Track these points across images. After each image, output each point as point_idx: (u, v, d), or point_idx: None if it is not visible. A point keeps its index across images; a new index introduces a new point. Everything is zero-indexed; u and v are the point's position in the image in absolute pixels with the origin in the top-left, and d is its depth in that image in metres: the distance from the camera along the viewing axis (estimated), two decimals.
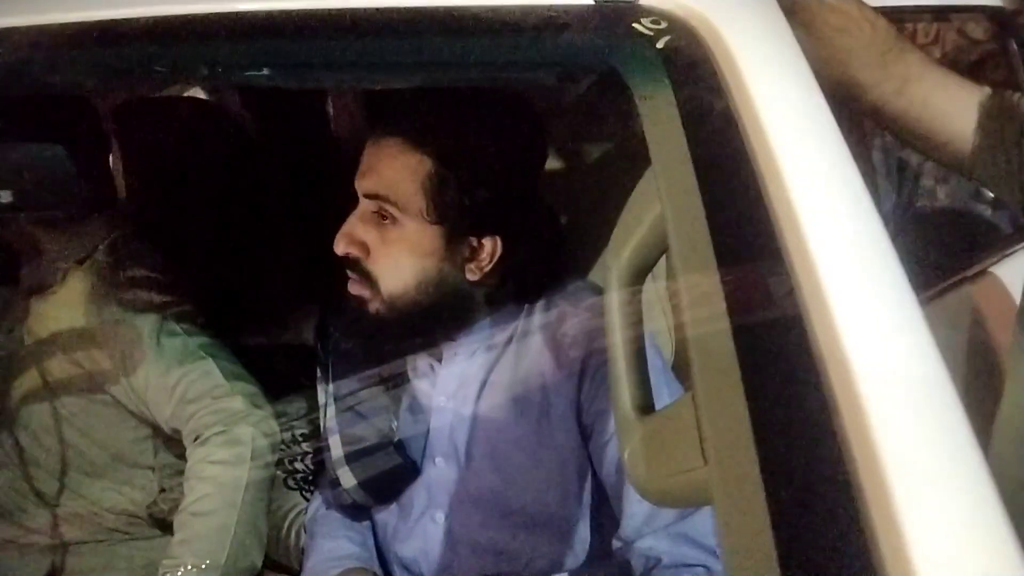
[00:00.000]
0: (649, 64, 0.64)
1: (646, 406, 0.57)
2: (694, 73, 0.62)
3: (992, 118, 0.94)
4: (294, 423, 1.61)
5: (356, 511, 1.27)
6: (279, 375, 1.60)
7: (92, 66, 0.86)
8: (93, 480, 1.46)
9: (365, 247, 1.06)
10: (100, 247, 1.40)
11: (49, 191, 0.86)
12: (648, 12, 0.69)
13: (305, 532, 1.38)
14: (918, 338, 0.43)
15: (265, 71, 0.84)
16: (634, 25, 0.67)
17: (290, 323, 1.63)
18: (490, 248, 1.06)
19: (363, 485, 1.18)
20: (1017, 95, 0.99)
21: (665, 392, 1.06)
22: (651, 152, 0.61)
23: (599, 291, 1.16)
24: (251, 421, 1.38)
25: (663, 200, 0.57)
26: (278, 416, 1.51)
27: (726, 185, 0.53)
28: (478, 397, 1.14)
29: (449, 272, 1.07)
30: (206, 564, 1.23)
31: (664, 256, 0.66)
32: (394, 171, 1.03)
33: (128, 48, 0.84)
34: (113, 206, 1.19)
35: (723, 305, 0.45)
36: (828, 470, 0.38)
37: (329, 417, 1.25)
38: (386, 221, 1.04)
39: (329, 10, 0.78)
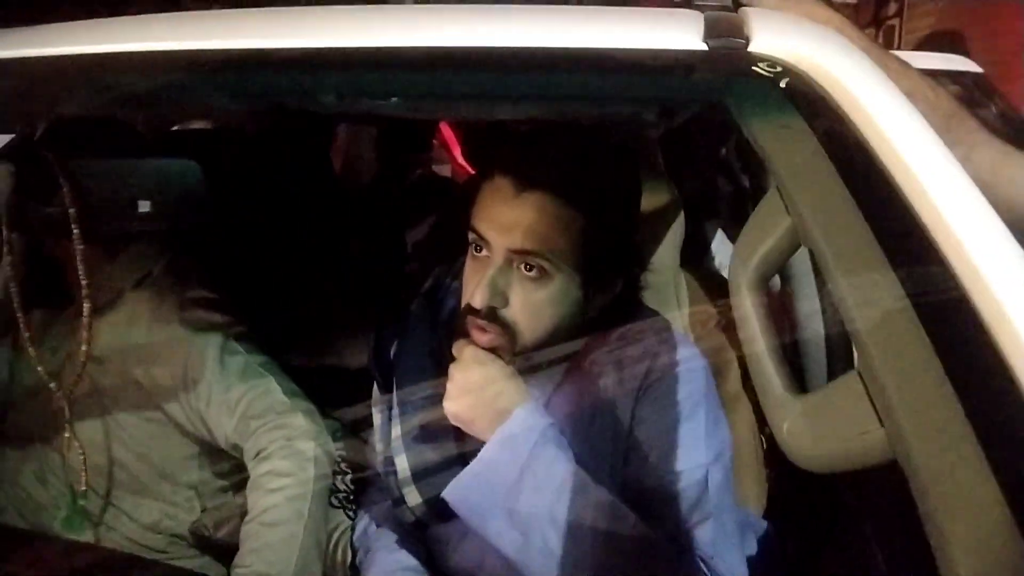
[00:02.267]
0: (775, 102, 0.75)
1: (796, 388, 0.66)
2: (818, 108, 0.73)
3: None
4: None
5: (414, 526, 1.30)
6: (315, 397, 1.64)
7: (231, 93, 0.94)
8: (138, 498, 1.46)
9: (505, 298, 1.07)
10: (155, 268, 1.44)
11: (182, 206, 0.91)
12: (761, 58, 0.80)
13: (352, 549, 1.42)
14: None
15: (393, 100, 0.92)
16: (754, 68, 0.78)
17: (331, 346, 1.68)
18: (616, 287, 1.13)
19: (429, 503, 1.20)
20: None
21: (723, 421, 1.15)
22: (783, 175, 0.71)
23: (654, 313, 1.24)
24: (312, 436, 1.41)
25: (808, 215, 0.67)
26: None
27: (874, 194, 0.63)
28: (547, 410, 1.20)
29: (580, 313, 1.12)
30: (275, 572, 1.26)
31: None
32: (547, 227, 1.03)
33: (267, 76, 0.91)
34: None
35: (899, 291, 0.55)
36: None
37: (394, 437, 1.28)
38: (532, 273, 1.05)
39: (462, 48, 0.86)
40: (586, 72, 0.86)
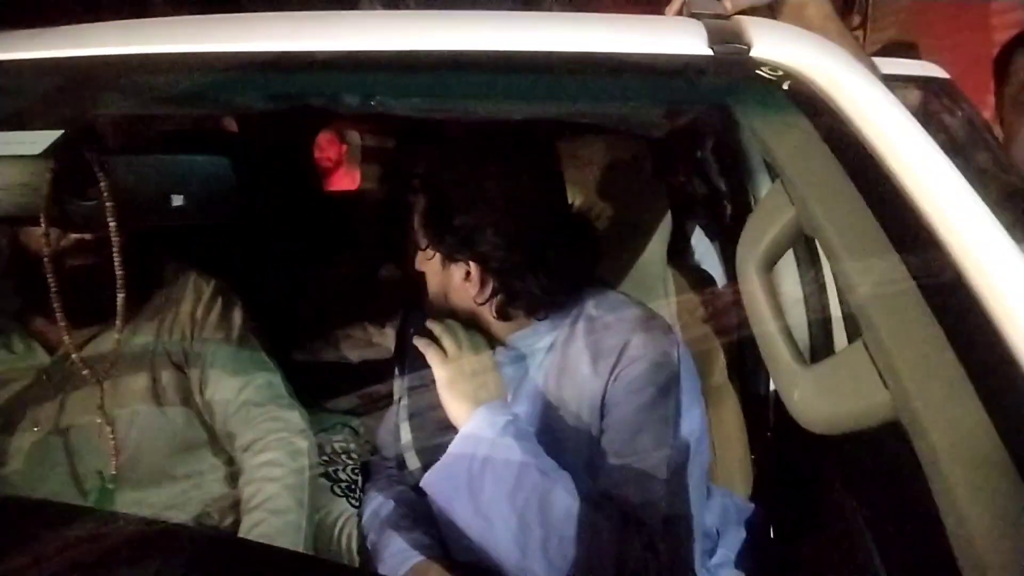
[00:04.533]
0: (777, 103, 0.82)
1: (803, 359, 0.73)
2: (818, 107, 0.80)
3: None
4: (333, 437, 1.70)
5: (419, 504, 1.36)
6: (312, 390, 1.69)
7: (258, 93, 0.99)
8: (142, 489, 1.49)
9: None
10: (169, 267, 1.50)
11: (213, 201, 0.96)
12: (763, 62, 0.87)
13: (358, 534, 1.47)
14: None
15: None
16: (758, 72, 0.85)
17: (332, 342, 1.73)
18: (476, 272, 1.23)
19: (426, 468, 1.28)
20: None
21: (697, 407, 1.23)
22: (788, 169, 0.78)
23: (636, 303, 1.32)
24: (306, 436, 1.49)
25: (813, 204, 0.74)
26: (320, 429, 1.63)
27: (873, 185, 0.70)
28: (523, 395, 1.28)
29: (450, 291, 1.27)
30: None
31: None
32: (413, 208, 1.27)
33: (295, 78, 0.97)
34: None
35: (900, 268, 0.62)
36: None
37: (402, 407, 1.37)
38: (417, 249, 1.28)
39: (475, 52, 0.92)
40: (598, 76, 0.92)
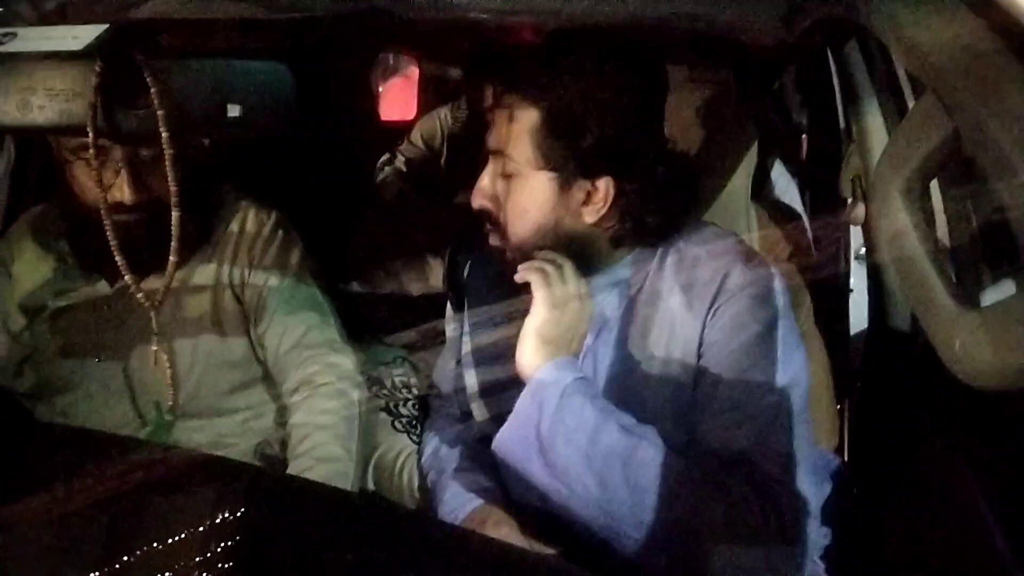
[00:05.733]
0: None
1: (969, 301, 0.61)
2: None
3: None
4: (394, 371, 1.64)
5: (479, 446, 1.29)
6: (371, 323, 1.62)
7: None
8: (197, 420, 1.45)
9: (496, 200, 1.15)
10: (230, 195, 1.44)
11: (272, 112, 0.86)
12: None
13: (419, 472, 1.41)
14: None
15: None
16: None
17: (391, 273, 1.65)
18: (603, 190, 1.11)
19: (496, 419, 1.18)
20: None
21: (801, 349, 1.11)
22: (951, 76, 0.65)
23: (731, 234, 1.21)
24: (356, 383, 1.43)
25: (989, 116, 0.60)
26: (379, 362, 1.57)
27: None
28: (609, 334, 1.17)
29: (566, 216, 1.13)
30: None
31: None
32: (509, 126, 1.11)
33: None
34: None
35: None
36: None
37: (464, 353, 1.29)
38: (509, 174, 1.12)
39: None
40: None
